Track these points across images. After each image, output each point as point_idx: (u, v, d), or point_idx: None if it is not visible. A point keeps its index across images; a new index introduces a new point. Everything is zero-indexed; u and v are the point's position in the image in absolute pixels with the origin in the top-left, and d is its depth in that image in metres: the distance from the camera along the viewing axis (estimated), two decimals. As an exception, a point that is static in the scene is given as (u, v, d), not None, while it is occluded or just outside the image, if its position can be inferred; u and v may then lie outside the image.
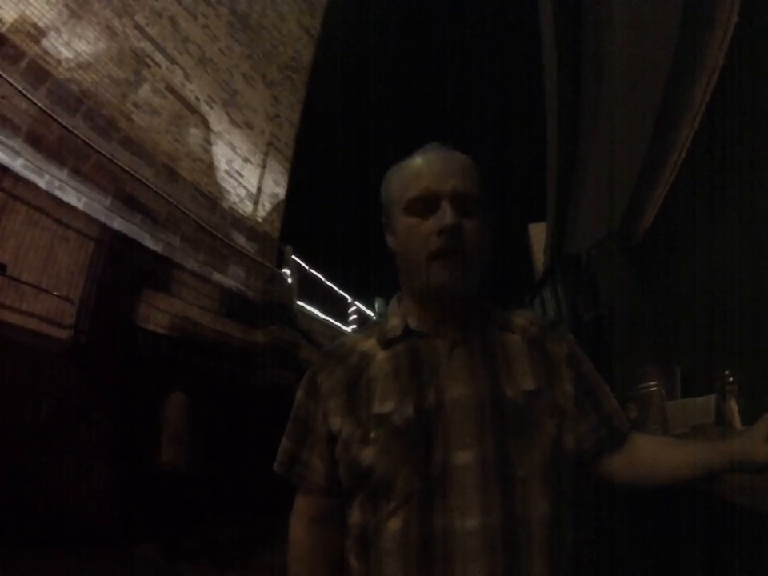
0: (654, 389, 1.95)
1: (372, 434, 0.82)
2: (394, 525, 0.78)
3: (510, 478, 0.78)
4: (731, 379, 1.47)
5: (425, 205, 0.88)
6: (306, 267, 12.05)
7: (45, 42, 5.38)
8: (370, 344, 0.95)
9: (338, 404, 0.88)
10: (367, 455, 0.81)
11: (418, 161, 0.95)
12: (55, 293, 5.07)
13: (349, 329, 13.25)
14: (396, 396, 0.84)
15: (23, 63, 5.09)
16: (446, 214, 0.86)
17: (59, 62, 5.57)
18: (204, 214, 7.91)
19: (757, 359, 1.54)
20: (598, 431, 0.91)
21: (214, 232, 8.02)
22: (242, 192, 9.12)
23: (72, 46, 5.75)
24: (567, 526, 0.82)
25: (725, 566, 1.19)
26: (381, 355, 0.91)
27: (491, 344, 0.91)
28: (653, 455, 0.90)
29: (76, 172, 5.58)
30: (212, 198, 8.24)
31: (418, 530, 0.77)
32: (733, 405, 1.46)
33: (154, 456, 5.14)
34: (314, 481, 0.92)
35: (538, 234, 8.67)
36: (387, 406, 0.84)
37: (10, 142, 4.83)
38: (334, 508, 0.91)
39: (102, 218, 5.83)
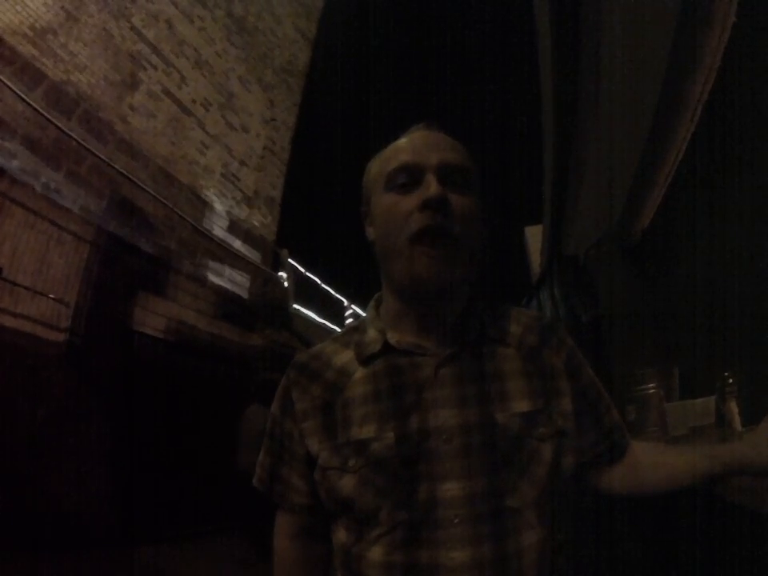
0: (653, 391, 1.95)
1: (350, 463, 0.75)
2: (377, 554, 0.73)
3: (500, 509, 0.72)
4: (731, 380, 1.47)
5: (406, 178, 0.78)
6: (303, 270, 12.04)
7: (41, 44, 5.36)
8: (346, 358, 0.85)
9: (314, 426, 0.81)
10: (346, 485, 0.75)
11: (399, 140, 0.87)
12: (51, 296, 5.02)
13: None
14: (376, 421, 0.76)
15: (19, 65, 5.06)
16: (430, 186, 0.75)
17: (55, 64, 5.55)
18: (200, 217, 7.89)
19: (756, 360, 1.54)
20: (597, 446, 0.87)
21: (210, 235, 8.00)
22: (238, 195, 9.10)
23: (68, 49, 5.73)
24: (559, 546, 0.79)
25: (725, 567, 1.18)
26: (359, 373, 0.82)
27: (482, 361, 0.80)
28: (652, 464, 0.86)
29: (72, 175, 5.55)
30: (208, 201, 8.22)
31: (403, 562, 0.71)
32: (733, 406, 1.46)
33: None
34: (296, 501, 0.86)
35: (535, 236, 8.69)
36: (366, 432, 0.76)
37: (6, 145, 4.81)
38: (318, 523, 0.85)
39: (98, 221, 5.81)
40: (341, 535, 0.79)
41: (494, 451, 0.74)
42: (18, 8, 5.09)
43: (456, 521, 0.70)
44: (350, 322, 1.03)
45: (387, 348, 0.82)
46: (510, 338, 0.84)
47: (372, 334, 0.85)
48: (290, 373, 0.88)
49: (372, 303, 0.93)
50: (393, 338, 0.82)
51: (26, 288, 4.79)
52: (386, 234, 0.79)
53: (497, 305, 0.91)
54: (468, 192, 0.80)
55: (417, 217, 0.75)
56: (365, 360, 0.82)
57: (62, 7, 5.64)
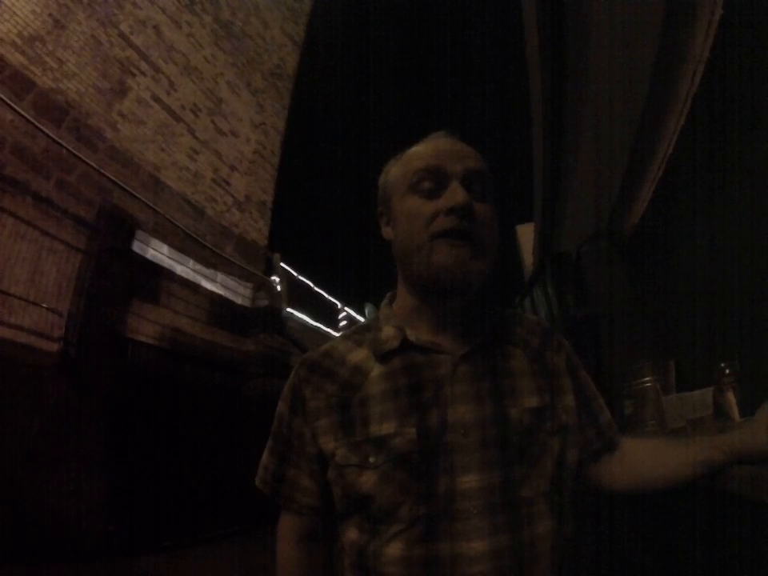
0: (649, 384, 1.97)
1: (371, 459, 0.76)
2: (396, 549, 0.73)
3: (515, 499, 0.74)
4: (728, 371, 1.49)
5: (432, 183, 0.80)
6: (295, 274, 12.01)
7: (29, 52, 5.34)
8: (362, 355, 0.85)
9: (330, 424, 0.81)
10: (366, 482, 0.75)
11: (423, 144, 0.88)
12: (44, 305, 5.00)
13: (339, 335, 13.22)
14: (396, 417, 0.77)
15: (7, 73, 5.03)
16: (457, 193, 0.77)
17: (44, 72, 5.52)
18: (191, 223, 7.86)
19: (752, 350, 1.57)
20: (593, 443, 0.90)
21: (201, 241, 7.97)
22: (229, 200, 9.08)
23: (56, 56, 5.70)
24: (570, 535, 0.80)
25: (727, 557, 1.20)
26: (376, 370, 0.82)
27: (495, 359, 0.83)
28: (651, 460, 0.88)
29: (62, 183, 5.53)
30: (199, 206, 8.19)
31: (422, 555, 0.72)
32: (730, 397, 1.48)
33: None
34: (303, 502, 0.85)
35: (526, 235, 8.72)
36: (387, 428, 0.77)
37: (-5, 154, 4.79)
38: (323, 526, 0.86)
39: (89, 230, 5.78)
40: (352, 535, 0.79)
41: (508, 444, 0.76)
42: (6, 16, 5.06)
43: (475, 512, 0.72)
44: (360, 323, 1.00)
45: (405, 345, 0.83)
46: (517, 339, 0.88)
47: (389, 330, 0.86)
48: (300, 371, 0.88)
49: (385, 302, 0.94)
50: (411, 335, 0.84)
51: (18, 298, 4.76)
52: (409, 233, 0.80)
53: (501, 309, 0.94)
54: (488, 200, 0.82)
55: (442, 220, 0.77)
56: (382, 356, 0.83)
57: (50, 15, 5.62)
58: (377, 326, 0.90)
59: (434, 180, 0.81)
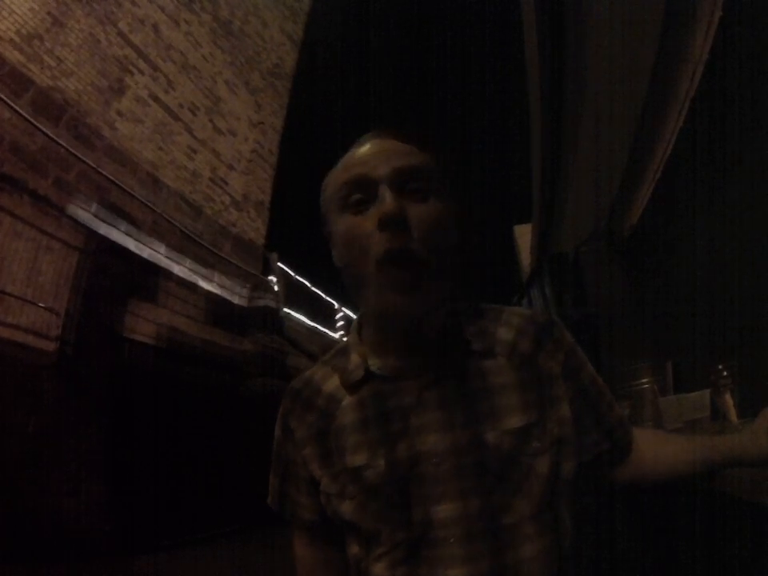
0: (647, 385, 1.97)
1: (348, 489, 0.76)
2: (381, 570, 0.74)
3: (496, 527, 0.71)
4: (725, 373, 1.50)
5: (360, 195, 0.72)
6: (292, 274, 12.00)
7: (27, 50, 5.32)
8: (334, 384, 0.84)
9: (313, 453, 0.81)
10: (346, 510, 0.76)
11: (350, 151, 0.79)
12: (41, 304, 4.98)
13: (336, 335, 13.22)
14: (367, 449, 0.76)
15: (5, 71, 5.02)
16: (384, 201, 0.68)
17: (42, 70, 5.51)
18: (189, 223, 7.85)
19: (749, 352, 1.57)
20: (598, 445, 0.84)
21: (199, 240, 7.96)
22: (227, 199, 9.07)
23: (55, 54, 5.69)
24: (570, 548, 0.76)
25: (725, 560, 1.20)
26: (346, 400, 0.81)
27: (469, 379, 0.77)
28: (653, 452, 0.86)
29: (60, 181, 5.51)
30: (197, 206, 8.19)
31: None
32: (728, 398, 1.48)
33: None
34: (306, 518, 0.86)
35: (524, 235, 8.73)
36: (359, 460, 0.76)
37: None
38: (333, 533, 0.85)
39: (87, 228, 5.77)
40: (353, 548, 0.80)
41: (486, 471, 0.72)
42: (5, 13, 5.04)
43: (452, 540, 0.70)
44: (338, 345, 0.97)
45: (369, 374, 0.79)
46: (500, 347, 0.80)
47: (355, 359, 0.82)
48: (286, 401, 0.88)
49: (354, 325, 0.88)
50: (374, 364, 0.80)
51: (15, 297, 4.74)
52: (350, 260, 0.73)
53: (484, 309, 0.86)
54: (431, 197, 0.73)
55: (377, 239, 0.69)
56: (350, 387, 0.81)
57: (49, 12, 5.60)
58: (348, 351, 0.86)
59: (361, 191, 0.72)
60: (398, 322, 0.73)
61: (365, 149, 0.76)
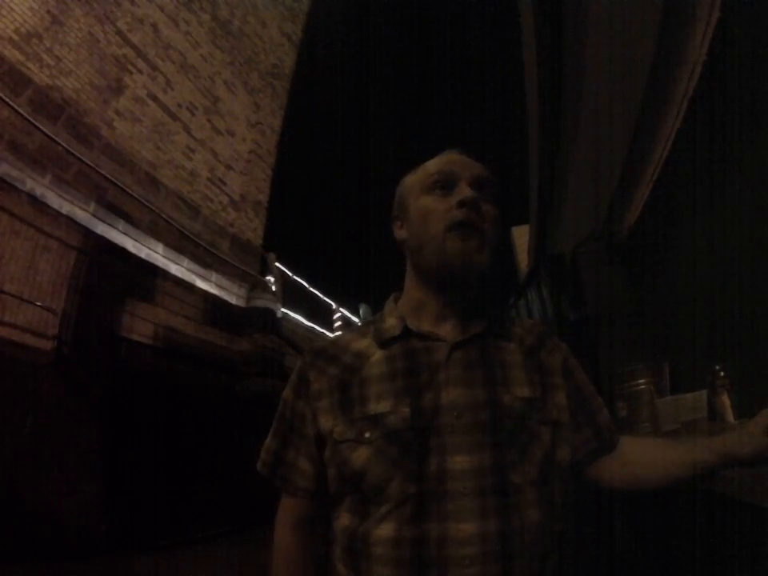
0: (643, 386, 1.98)
1: (366, 435, 0.80)
2: (386, 530, 0.76)
3: (505, 484, 0.77)
4: (722, 374, 1.50)
5: (443, 183, 0.91)
6: (290, 274, 11.99)
7: (26, 49, 5.31)
8: (365, 343, 0.92)
9: (330, 403, 0.86)
10: (359, 457, 0.79)
11: (437, 157, 0.98)
12: (38, 303, 4.97)
13: (334, 335, 13.21)
14: (392, 397, 0.82)
15: (4, 70, 5.01)
16: (465, 190, 0.88)
17: (41, 68, 5.50)
18: (187, 222, 7.84)
19: (747, 352, 1.58)
20: (589, 443, 0.92)
21: (196, 240, 7.95)
22: (225, 199, 9.06)
23: (54, 53, 5.68)
24: (560, 534, 0.81)
25: (724, 561, 1.20)
26: (377, 355, 0.89)
27: (489, 350, 0.89)
28: (648, 458, 0.90)
29: (58, 180, 5.50)
30: (194, 205, 8.17)
31: (411, 536, 0.74)
32: (725, 399, 1.49)
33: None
34: (300, 484, 0.90)
35: (521, 236, 8.74)
36: (383, 407, 0.81)
37: (-9, 150, 4.76)
38: (319, 511, 0.90)
39: (84, 227, 5.76)
40: (344, 520, 0.82)
41: (499, 428, 0.80)
42: (4, 12, 5.04)
43: (465, 492, 0.75)
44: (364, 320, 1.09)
45: (405, 333, 0.90)
46: (512, 335, 0.94)
47: (391, 321, 0.94)
48: (307, 357, 0.94)
49: (391, 298, 1.01)
50: (412, 324, 0.91)
51: (12, 296, 4.73)
52: (425, 227, 0.89)
53: (500, 309, 1.00)
54: (493, 202, 0.92)
55: (454, 213, 0.86)
56: (384, 343, 0.90)
57: (48, 11, 5.60)
58: (381, 318, 0.97)
59: (446, 181, 0.91)
60: (455, 274, 0.88)
61: (452, 156, 0.96)
